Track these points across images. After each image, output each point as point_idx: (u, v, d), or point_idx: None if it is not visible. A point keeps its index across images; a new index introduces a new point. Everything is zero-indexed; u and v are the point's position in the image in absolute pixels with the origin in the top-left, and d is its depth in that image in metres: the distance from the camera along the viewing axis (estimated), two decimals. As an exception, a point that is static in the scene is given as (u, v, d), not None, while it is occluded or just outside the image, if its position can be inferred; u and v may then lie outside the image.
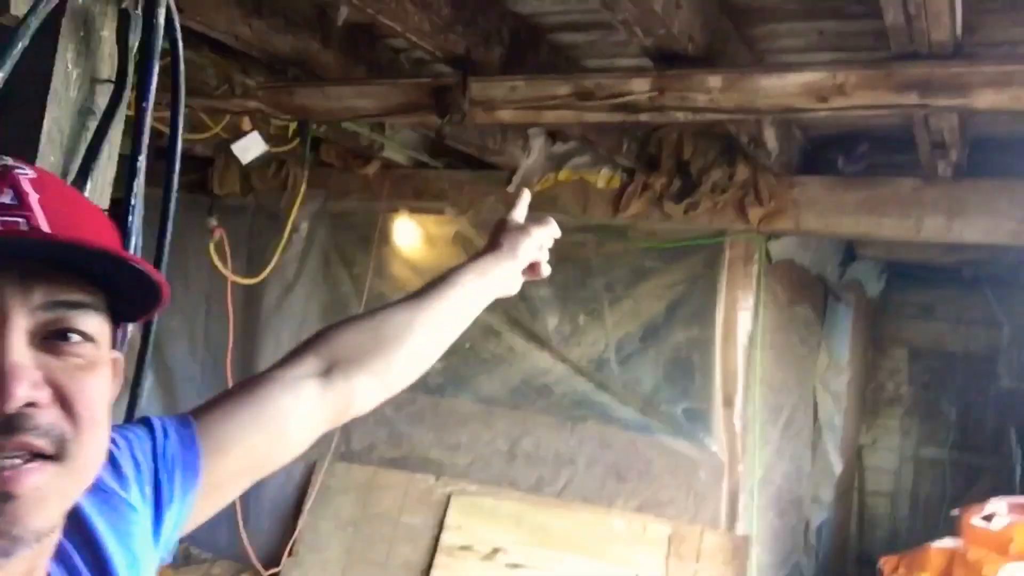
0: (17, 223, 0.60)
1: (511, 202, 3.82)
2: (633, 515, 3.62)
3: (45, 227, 0.61)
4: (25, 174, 0.64)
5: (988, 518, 3.03)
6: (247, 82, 2.52)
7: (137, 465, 0.81)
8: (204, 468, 0.85)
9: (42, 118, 0.86)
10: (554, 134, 3.88)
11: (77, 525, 0.72)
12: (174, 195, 1.08)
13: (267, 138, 3.09)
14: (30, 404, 0.60)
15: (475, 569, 3.76)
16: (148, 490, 0.81)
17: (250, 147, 2.86)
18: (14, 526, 0.59)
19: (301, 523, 4.05)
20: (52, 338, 0.63)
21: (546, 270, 1.22)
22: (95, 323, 0.66)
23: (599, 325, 3.80)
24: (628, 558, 3.55)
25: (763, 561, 3.74)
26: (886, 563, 3.33)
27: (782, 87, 2.22)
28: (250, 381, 0.95)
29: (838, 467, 4.64)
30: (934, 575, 3.06)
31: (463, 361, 3.89)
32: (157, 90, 1.02)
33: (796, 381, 4.22)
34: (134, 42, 0.99)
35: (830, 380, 4.55)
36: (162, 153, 1.14)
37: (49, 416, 0.61)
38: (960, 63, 2.04)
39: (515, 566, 3.70)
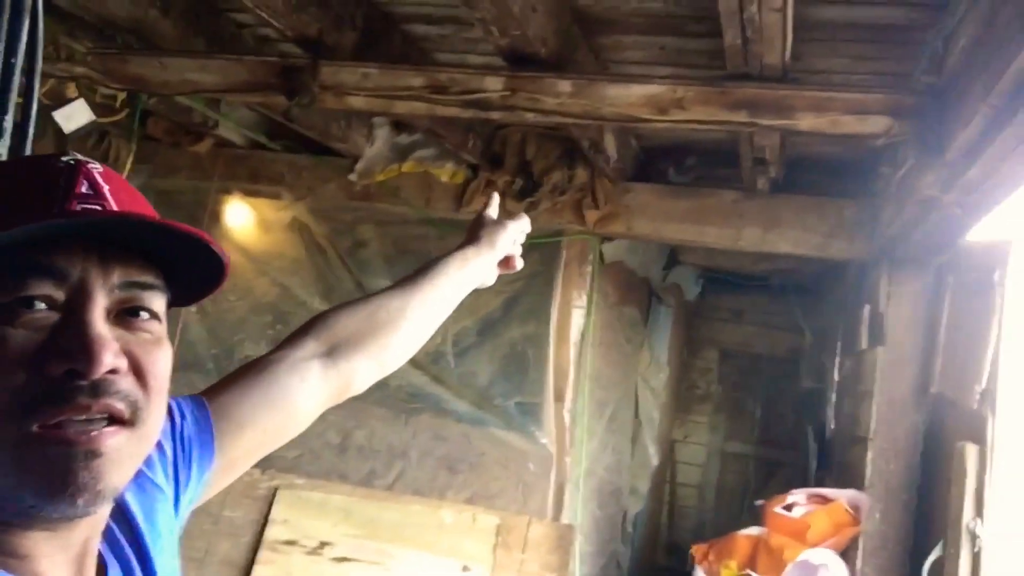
0: (96, 210, 0.66)
1: (352, 191, 3.77)
2: (463, 506, 3.67)
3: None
4: (96, 168, 0.70)
5: (789, 507, 3.29)
6: (75, 46, 2.33)
7: (160, 446, 0.84)
8: (219, 448, 0.90)
9: None
10: (399, 124, 3.86)
11: (116, 505, 0.77)
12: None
13: (92, 107, 2.88)
14: (112, 371, 0.65)
15: (300, 564, 3.68)
16: (170, 470, 0.86)
17: (74, 115, 2.64)
18: (99, 482, 0.64)
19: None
20: (125, 315, 0.69)
21: (519, 263, 1.31)
22: (160, 303, 0.72)
23: (437, 319, 3.80)
24: (457, 549, 3.59)
25: (585, 550, 3.90)
26: (697, 551, 3.54)
27: (626, 97, 2.32)
28: (257, 363, 1.00)
29: (655, 460, 4.90)
30: (740, 560, 3.30)
31: (296, 352, 3.80)
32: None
33: (621, 377, 4.42)
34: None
35: (651, 377, 4.79)
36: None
37: (127, 383, 0.66)
38: (787, 87, 2.22)
39: (343, 559, 3.65)
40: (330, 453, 3.87)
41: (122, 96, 2.90)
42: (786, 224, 3.47)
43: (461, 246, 1.25)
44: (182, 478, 0.87)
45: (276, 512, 3.77)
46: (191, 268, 0.73)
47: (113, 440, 0.65)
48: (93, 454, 0.63)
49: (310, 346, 1.04)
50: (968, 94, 1.77)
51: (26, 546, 0.66)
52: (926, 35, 2.13)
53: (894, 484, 3.16)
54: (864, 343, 3.36)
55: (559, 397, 3.66)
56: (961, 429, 2.76)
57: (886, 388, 3.21)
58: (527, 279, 3.75)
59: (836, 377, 3.75)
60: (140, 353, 0.68)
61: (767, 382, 6.38)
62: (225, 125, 3.66)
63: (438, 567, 3.58)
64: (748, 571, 3.22)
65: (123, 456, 0.66)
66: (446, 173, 3.83)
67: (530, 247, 3.75)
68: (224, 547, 3.78)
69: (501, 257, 1.29)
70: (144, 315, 0.70)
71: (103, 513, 0.72)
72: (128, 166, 3.48)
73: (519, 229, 1.31)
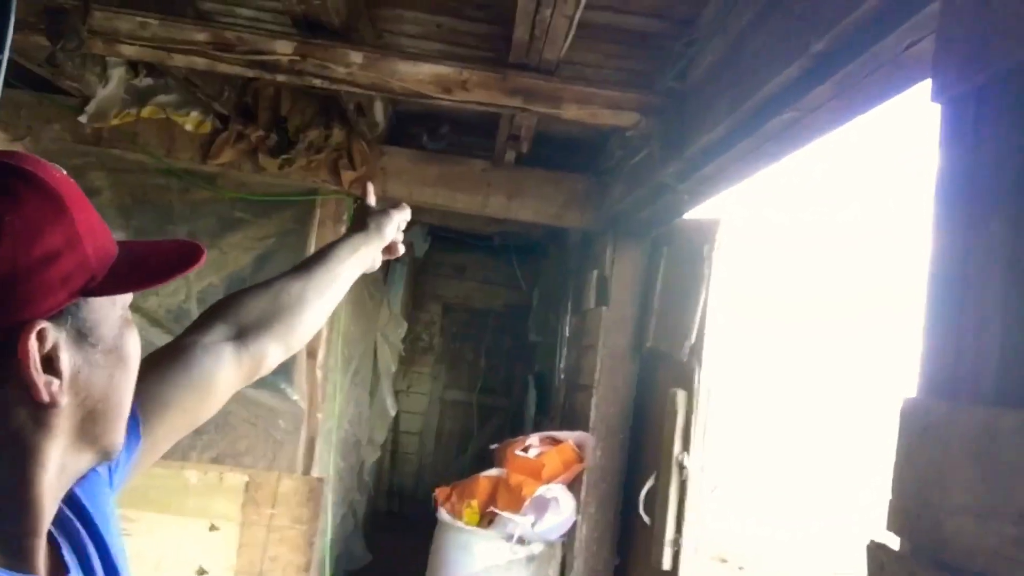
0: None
1: (80, 134, 3.57)
2: (209, 466, 3.61)
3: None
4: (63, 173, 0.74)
5: (526, 449, 3.67)
6: None
7: None
8: (144, 430, 0.93)
9: None
10: (136, 65, 3.60)
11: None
12: None
13: None
14: None
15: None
16: None
17: None
18: None
19: None
20: None
21: (401, 249, 1.38)
22: None
23: (181, 274, 3.66)
24: (204, 509, 3.55)
25: (329, 500, 4.01)
26: (440, 493, 3.81)
27: (415, 74, 2.44)
28: (170, 348, 1.03)
29: (393, 410, 5.10)
30: (482, 499, 3.62)
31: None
32: None
33: (363, 333, 4.54)
34: None
35: (390, 332, 4.97)
36: None
37: None
38: (558, 80, 2.47)
39: (74, 529, 3.44)
40: (54, 417, 3.59)
41: None
42: (528, 194, 3.79)
43: (349, 233, 1.32)
44: (112, 462, 0.88)
45: None
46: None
47: None
48: None
49: (220, 330, 1.08)
50: (714, 104, 2.13)
51: None
52: (673, 44, 2.49)
53: (613, 425, 3.66)
54: (592, 303, 3.80)
55: (311, 354, 3.71)
56: (671, 377, 3.26)
57: (608, 342, 3.68)
58: (279, 236, 3.74)
59: (567, 333, 4.18)
60: None
61: (486, 335, 6.85)
62: (-73, 50, 3.19)
63: (184, 528, 3.51)
64: (491, 508, 3.55)
65: None
66: (191, 122, 3.66)
67: (283, 205, 3.77)
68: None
69: (386, 244, 1.37)
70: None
71: None
72: None
73: (402, 218, 1.40)
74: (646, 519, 3.20)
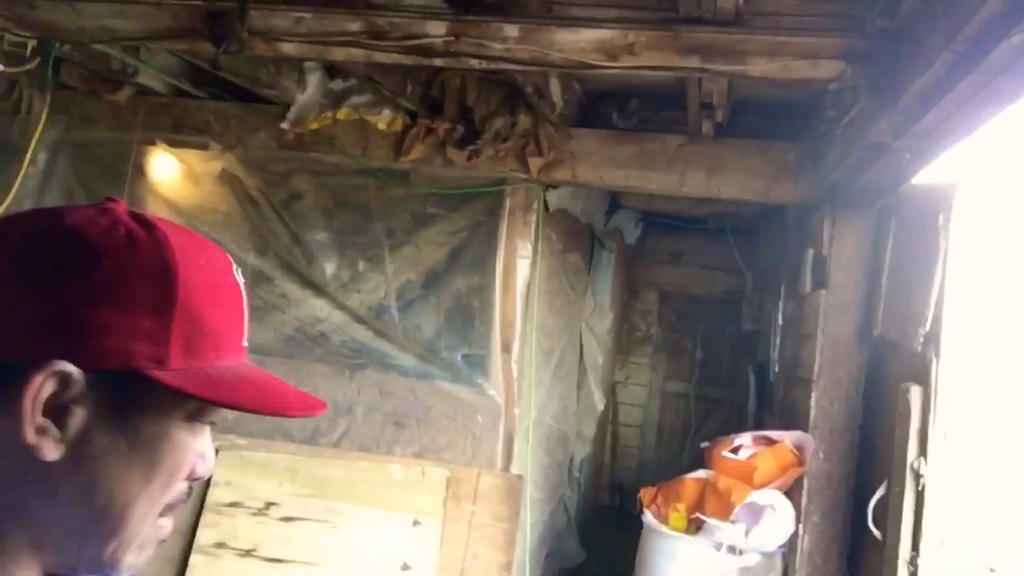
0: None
1: (284, 140, 3.58)
2: (412, 461, 3.63)
3: None
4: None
5: (735, 450, 3.34)
6: (-25, -11, 2.13)
7: None
8: None
9: None
10: (332, 69, 3.68)
11: None
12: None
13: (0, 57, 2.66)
14: None
15: (246, 525, 3.60)
16: None
17: (-23, 65, 2.43)
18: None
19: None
20: None
21: None
22: None
23: (379, 271, 3.70)
24: (407, 503, 3.56)
25: (534, 497, 3.91)
26: (645, 494, 3.58)
27: (575, 42, 2.23)
28: None
29: (600, 405, 4.92)
30: (689, 503, 3.34)
31: (232, 309, 3.66)
32: None
33: (566, 325, 4.39)
34: None
35: (595, 323, 4.79)
36: None
37: None
38: (740, 31, 2.15)
39: (290, 519, 3.59)
40: (272, 412, 3.77)
41: (33, 43, 2.68)
42: (730, 169, 3.44)
43: None
44: None
45: (218, 474, 3.67)
46: None
47: None
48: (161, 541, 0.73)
49: None
50: (927, 40, 1.74)
51: None
52: (880, -24, 2.08)
53: (837, 424, 3.22)
54: (808, 286, 3.39)
55: (506, 348, 3.61)
56: (904, 371, 2.80)
57: (829, 330, 3.25)
58: (471, 230, 3.67)
59: (780, 320, 3.78)
60: None
61: (705, 322, 6.47)
62: (145, 72, 3.44)
63: (388, 522, 3.55)
64: (697, 514, 3.26)
65: None
66: (383, 120, 3.68)
67: (474, 197, 3.69)
68: (165, 511, 3.68)
69: None
70: None
71: None
72: (43, 118, 3.25)
73: None
74: (876, 534, 2.77)
